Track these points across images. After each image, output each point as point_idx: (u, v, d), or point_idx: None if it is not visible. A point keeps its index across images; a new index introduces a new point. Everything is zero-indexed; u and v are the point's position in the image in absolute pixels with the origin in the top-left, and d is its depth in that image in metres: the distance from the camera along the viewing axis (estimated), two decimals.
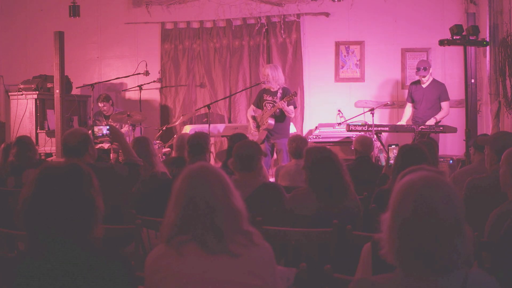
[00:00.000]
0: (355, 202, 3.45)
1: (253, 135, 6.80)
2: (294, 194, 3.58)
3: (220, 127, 7.93)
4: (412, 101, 7.40)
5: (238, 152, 3.76)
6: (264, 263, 2.01)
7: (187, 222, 1.99)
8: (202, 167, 2.09)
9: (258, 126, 6.89)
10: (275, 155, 7.04)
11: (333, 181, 3.38)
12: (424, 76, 7.20)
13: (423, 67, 7.18)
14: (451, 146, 7.79)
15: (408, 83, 7.88)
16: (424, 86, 7.29)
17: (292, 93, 6.80)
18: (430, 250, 1.57)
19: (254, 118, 6.95)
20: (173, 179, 4.44)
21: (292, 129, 7.80)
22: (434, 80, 7.33)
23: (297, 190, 3.61)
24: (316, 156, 3.46)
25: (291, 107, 6.76)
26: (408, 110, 7.46)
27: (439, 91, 7.23)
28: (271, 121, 6.76)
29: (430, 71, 7.26)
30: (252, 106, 7.15)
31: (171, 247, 1.98)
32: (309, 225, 3.23)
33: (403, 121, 7.39)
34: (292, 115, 6.95)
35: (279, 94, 6.83)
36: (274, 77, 6.85)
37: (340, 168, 3.42)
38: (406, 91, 7.75)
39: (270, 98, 6.88)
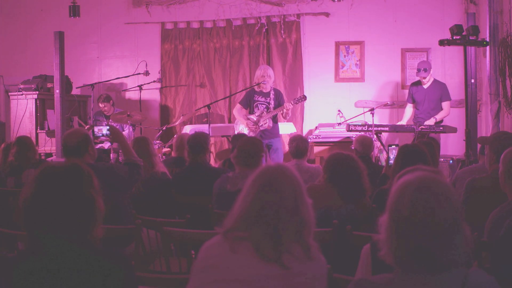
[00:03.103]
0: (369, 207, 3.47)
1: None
2: (308, 189, 3.57)
3: (220, 127, 7.93)
4: (413, 102, 7.38)
5: (243, 147, 3.90)
6: (312, 280, 1.95)
7: (249, 221, 1.95)
8: (279, 169, 2.04)
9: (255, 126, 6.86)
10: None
11: (353, 183, 3.41)
12: (424, 78, 7.19)
13: (423, 68, 7.15)
14: (451, 146, 7.79)
15: (408, 83, 7.88)
16: (425, 87, 7.26)
17: (302, 96, 6.96)
18: (428, 250, 1.57)
19: (248, 118, 6.92)
20: (173, 179, 4.48)
21: (292, 129, 7.82)
22: (435, 81, 7.31)
23: (311, 186, 3.60)
24: (340, 157, 3.50)
25: None
26: (409, 110, 7.45)
27: (440, 91, 7.20)
28: (270, 123, 6.79)
29: (431, 72, 7.24)
30: (239, 105, 7.08)
31: (226, 240, 1.96)
32: (333, 220, 3.18)
33: (403, 122, 7.37)
34: (288, 117, 7.06)
35: (272, 95, 6.88)
36: (272, 78, 6.92)
37: (360, 173, 3.45)
38: (406, 91, 7.75)
39: (263, 99, 6.90)
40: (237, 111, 7.08)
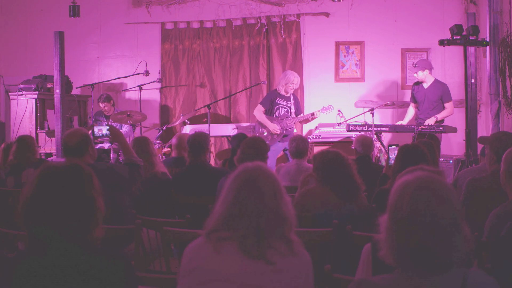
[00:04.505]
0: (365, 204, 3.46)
1: (273, 138, 7.09)
2: (304, 194, 3.54)
3: (220, 127, 7.93)
4: (415, 101, 7.36)
5: (247, 150, 3.89)
6: (298, 274, 1.97)
7: (231, 220, 1.97)
8: (257, 168, 2.07)
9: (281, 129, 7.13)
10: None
11: (346, 180, 3.40)
12: (415, 73, 7.17)
13: (415, 65, 7.21)
14: (451, 146, 7.79)
15: (408, 83, 7.88)
16: (425, 86, 7.21)
17: (329, 106, 7.27)
18: (428, 250, 1.57)
19: (273, 121, 7.14)
20: (173, 179, 4.48)
21: None
22: (436, 81, 7.24)
23: (306, 191, 3.57)
24: (329, 156, 3.48)
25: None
26: (411, 110, 7.43)
27: (440, 91, 7.13)
28: (294, 127, 7.22)
29: (425, 71, 7.09)
30: (261, 107, 7.27)
31: (210, 241, 1.98)
32: (329, 221, 3.17)
33: (405, 121, 7.35)
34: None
35: (292, 100, 7.21)
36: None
37: (351, 169, 3.44)
38: (406, 91, 7.75)
39: (285, 103, 7.20)
40: (260, 112, 7.26)
